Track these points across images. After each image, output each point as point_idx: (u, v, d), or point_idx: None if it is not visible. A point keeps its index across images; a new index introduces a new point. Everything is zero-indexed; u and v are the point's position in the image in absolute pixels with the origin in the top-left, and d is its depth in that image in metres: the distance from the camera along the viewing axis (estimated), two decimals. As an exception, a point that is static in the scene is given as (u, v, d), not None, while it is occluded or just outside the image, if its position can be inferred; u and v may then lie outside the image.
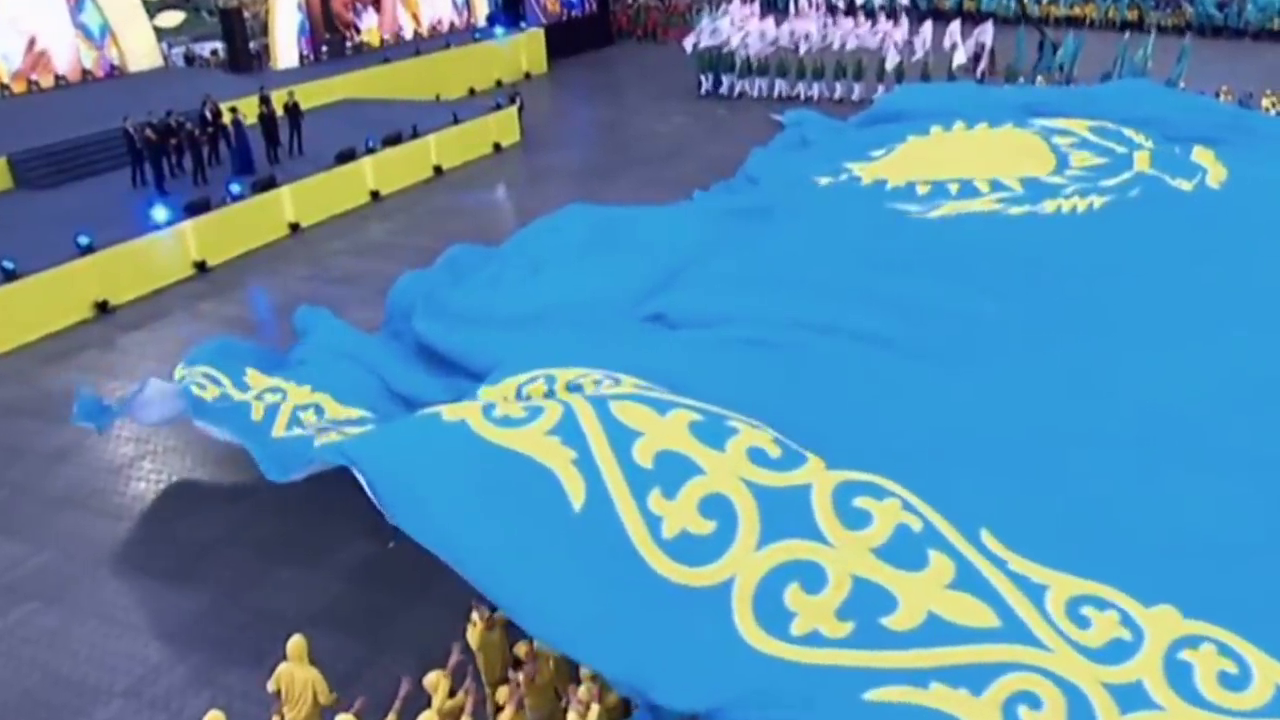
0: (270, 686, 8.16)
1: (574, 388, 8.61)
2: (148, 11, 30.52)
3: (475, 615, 8.27)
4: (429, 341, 12.47)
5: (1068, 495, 7.58)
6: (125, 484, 12.72)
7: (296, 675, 8.03)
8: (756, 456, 7.49)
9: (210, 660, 9.73)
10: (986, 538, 6.96)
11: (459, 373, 11.41)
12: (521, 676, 7.71)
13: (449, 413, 8.27)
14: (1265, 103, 26.24)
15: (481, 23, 39.26)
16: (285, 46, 31.82)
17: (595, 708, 7.19)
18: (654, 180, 24.05)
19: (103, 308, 17.92)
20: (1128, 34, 33.85)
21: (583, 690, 7.41)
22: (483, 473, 7.64)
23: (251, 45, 31.79)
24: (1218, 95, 25.86)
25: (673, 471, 7.35)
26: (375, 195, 23.86)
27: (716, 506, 7.09)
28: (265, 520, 11.67)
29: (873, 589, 6.55)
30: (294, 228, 21.73)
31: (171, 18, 33.56)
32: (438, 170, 25.70)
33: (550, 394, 8.68)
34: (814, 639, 6.31)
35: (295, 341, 13.80)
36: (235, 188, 20.74)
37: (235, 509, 12.01)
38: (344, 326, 13.65)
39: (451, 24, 38.59)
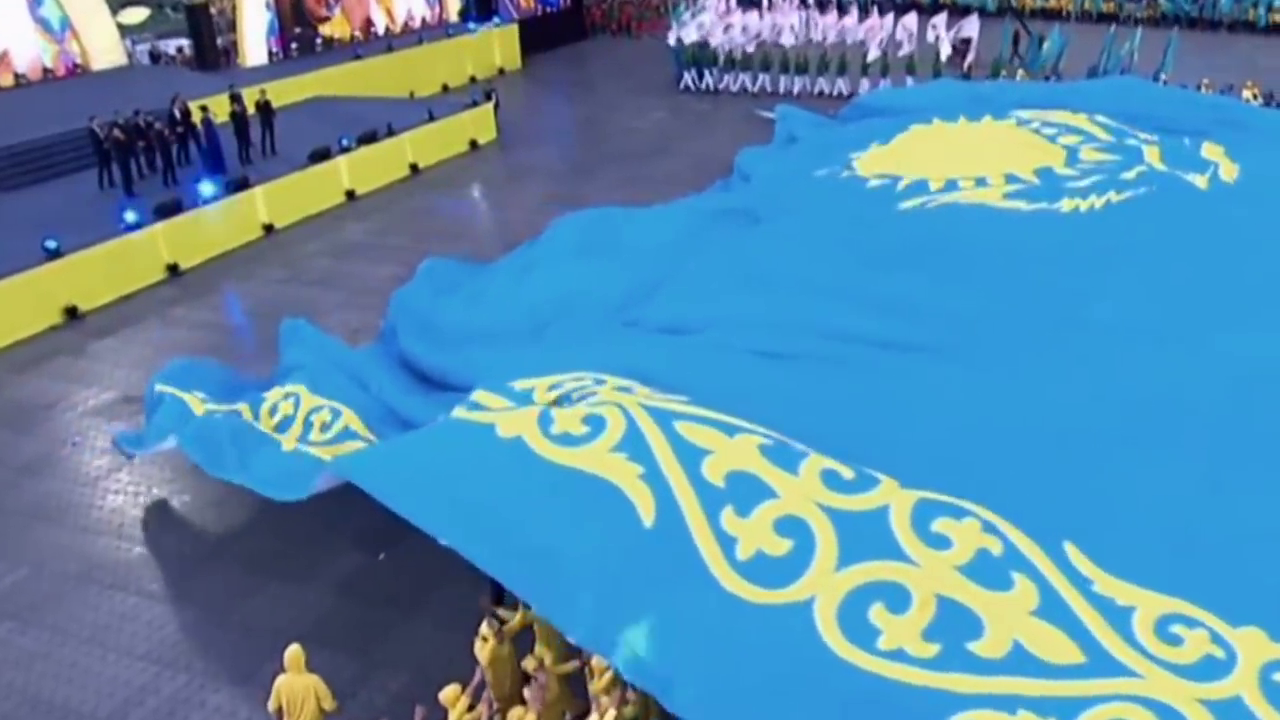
0: (270, 705, 7.88)
1: (622, 390, 8.23)
2: (110, 7, 29.74)
3: (485, 629, 8.00)
4: (414, 359, 12.11)
5: (1139, 505, 7.33)
6: (102, 497, 12.24)
7: (296, 684, 7.82)
8: (830, 479, 7.21)
9: (198, 680, 9.37)
10: (1071, 552, 6.70)
11: (449, 390, 11.01)
12: (538, 690, 7.54)
13: (503, 427, 7.88)
14: (1246, 93, 26.42)
15: (454, 18, 38.90)
16: (254, 43, 31.28)
17: (612, 713, 7.15)
18: (635, 178, 23.75)
19: (72, 313, 17.41)
20: (1113, 27, 33.90)
21: (605, 699, 7.28)
22: (545, 492, 7.31)
23: (219, 42, 31.20)
24: (1199, 88, 25.97)
25: (746, 492, 7.06)
26: (351, 195, 23.44)
27: (792, 528, 6.80)
28: (251, 533, 11.29)
29: (959, 610, 6.30)
30: (268, 229, 21.27)
31: (135, 14, 32.66)
32: (414, 169, 25.28)
33: (579, 395, 8.27)
34: (901, 656, 6.07)
35: (276, 354, 13.25)
36: (207, 188, 20.19)
37: (219, 522, 11.62)
38: (332, 341, 13.16)
39: (424, 19, 38.16)
